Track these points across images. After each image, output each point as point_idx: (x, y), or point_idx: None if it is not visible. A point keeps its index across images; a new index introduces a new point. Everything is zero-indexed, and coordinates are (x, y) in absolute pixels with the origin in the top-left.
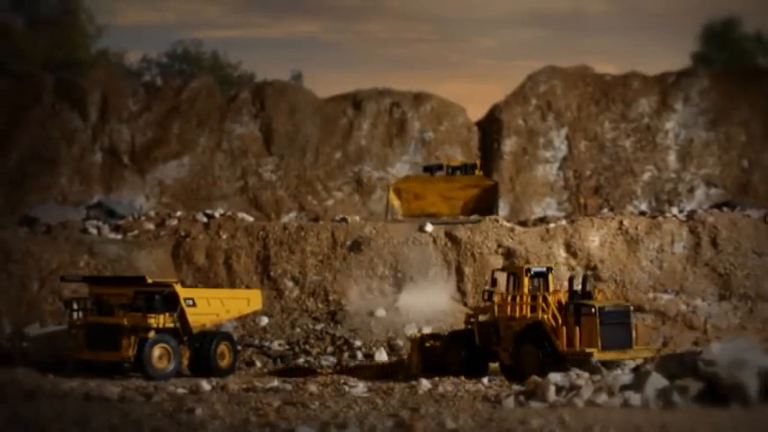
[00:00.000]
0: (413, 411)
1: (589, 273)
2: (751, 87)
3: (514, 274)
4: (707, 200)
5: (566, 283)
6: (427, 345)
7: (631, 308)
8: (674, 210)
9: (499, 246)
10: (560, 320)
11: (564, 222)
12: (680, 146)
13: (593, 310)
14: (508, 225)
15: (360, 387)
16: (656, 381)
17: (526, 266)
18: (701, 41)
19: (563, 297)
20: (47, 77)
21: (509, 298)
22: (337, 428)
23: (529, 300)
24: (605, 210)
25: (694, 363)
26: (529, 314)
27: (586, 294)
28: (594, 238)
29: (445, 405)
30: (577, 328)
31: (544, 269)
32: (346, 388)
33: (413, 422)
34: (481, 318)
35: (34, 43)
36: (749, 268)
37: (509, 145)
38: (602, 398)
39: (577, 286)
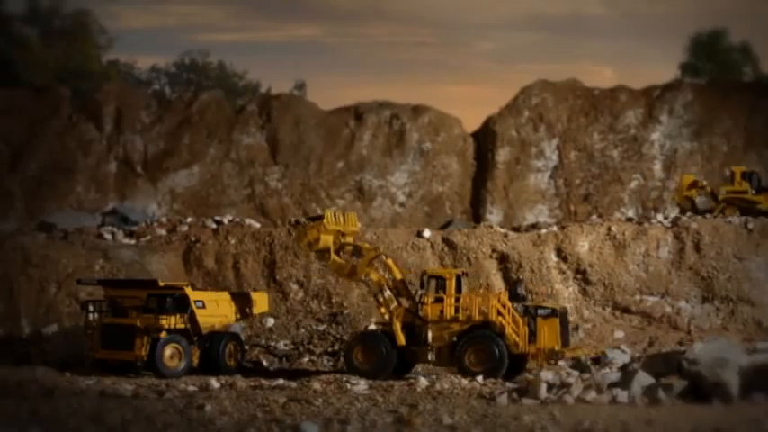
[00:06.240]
0: (411, 408)
1: (521, 278)
2: (732, 100)
3: (440, 277)
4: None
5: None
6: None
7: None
8: (660, 216)
9: (493, 251)
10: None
11: (555, 228)
12: (665, 156)
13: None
14: (502, 231)
15: (361, 385)
16: (643, 379)
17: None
18: (689, 52)
19: (503, 298)
20: (64, 91)
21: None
22: (340, 424)
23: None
24: (594, 216)
25: (679, 362)
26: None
27: (521, 297)
28: (584, 244)
29: (442, 402)
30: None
31: (459, 273)
32: (348, 386)
33: (411, 418)
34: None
35: (48, 55)
36: (731, 272)
37: (503, 155)
38: (591, 395)
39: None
